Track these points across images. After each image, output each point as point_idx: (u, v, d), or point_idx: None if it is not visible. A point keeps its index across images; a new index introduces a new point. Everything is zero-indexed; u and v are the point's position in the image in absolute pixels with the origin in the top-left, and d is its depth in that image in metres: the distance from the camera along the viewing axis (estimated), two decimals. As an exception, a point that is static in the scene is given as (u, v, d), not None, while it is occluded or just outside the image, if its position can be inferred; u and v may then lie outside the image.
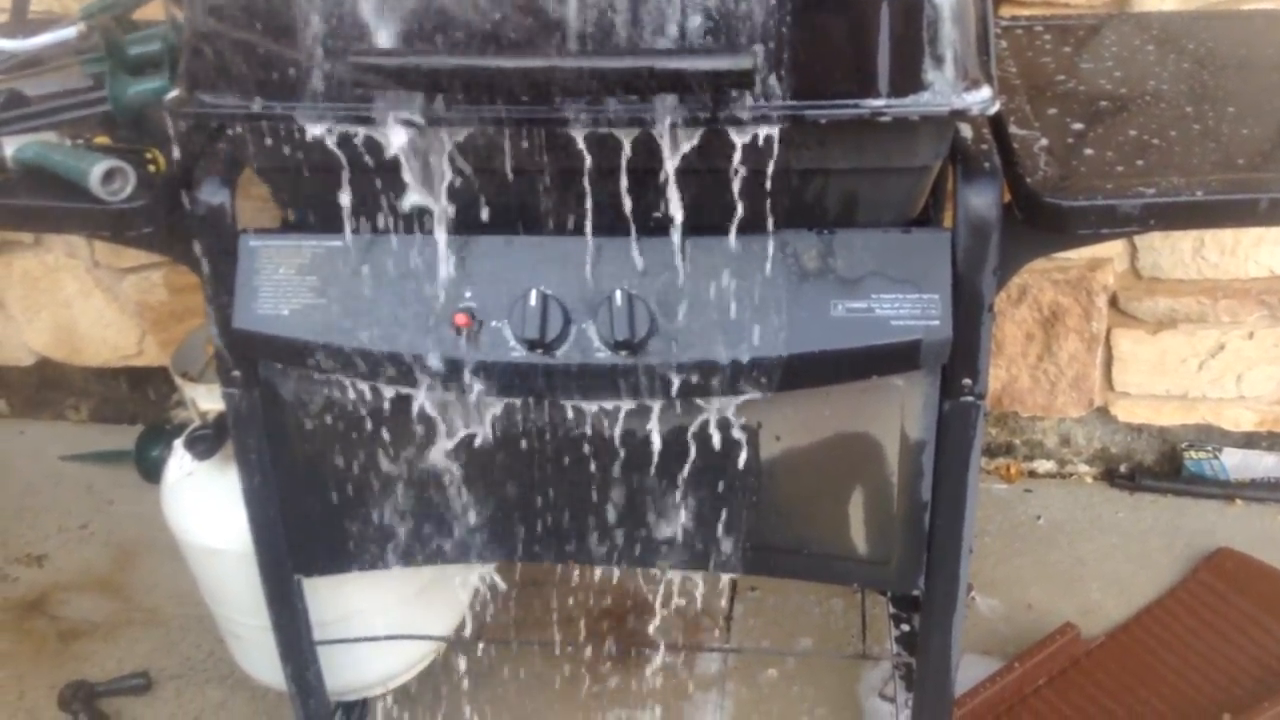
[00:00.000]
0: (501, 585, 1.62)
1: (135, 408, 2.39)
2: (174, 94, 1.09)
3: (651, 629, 1.85)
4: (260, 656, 1.53)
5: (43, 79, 1.27)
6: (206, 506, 1.46)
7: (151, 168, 1.17)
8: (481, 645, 1.76)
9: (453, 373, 1.15)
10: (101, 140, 1.20)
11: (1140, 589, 1.93)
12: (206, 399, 1.41)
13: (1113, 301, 1.95)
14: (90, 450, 2.32)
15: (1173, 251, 1.87)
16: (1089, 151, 1.12)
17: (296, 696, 1.50)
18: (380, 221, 1.16)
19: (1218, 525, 2.03)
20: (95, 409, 2.42)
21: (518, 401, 1.23)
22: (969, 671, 1.81)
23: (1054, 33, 1.36)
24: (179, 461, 1.50)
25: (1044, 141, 1.14)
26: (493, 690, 1.80)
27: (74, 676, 1.83)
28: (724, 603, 1.93)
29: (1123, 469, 2.15)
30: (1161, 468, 2.14)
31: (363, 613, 1.52)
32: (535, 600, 1.86)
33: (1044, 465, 2.19)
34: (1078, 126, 1.17)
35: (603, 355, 1.13)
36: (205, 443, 1.41)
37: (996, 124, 1.18)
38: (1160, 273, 1.91)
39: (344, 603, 1.50)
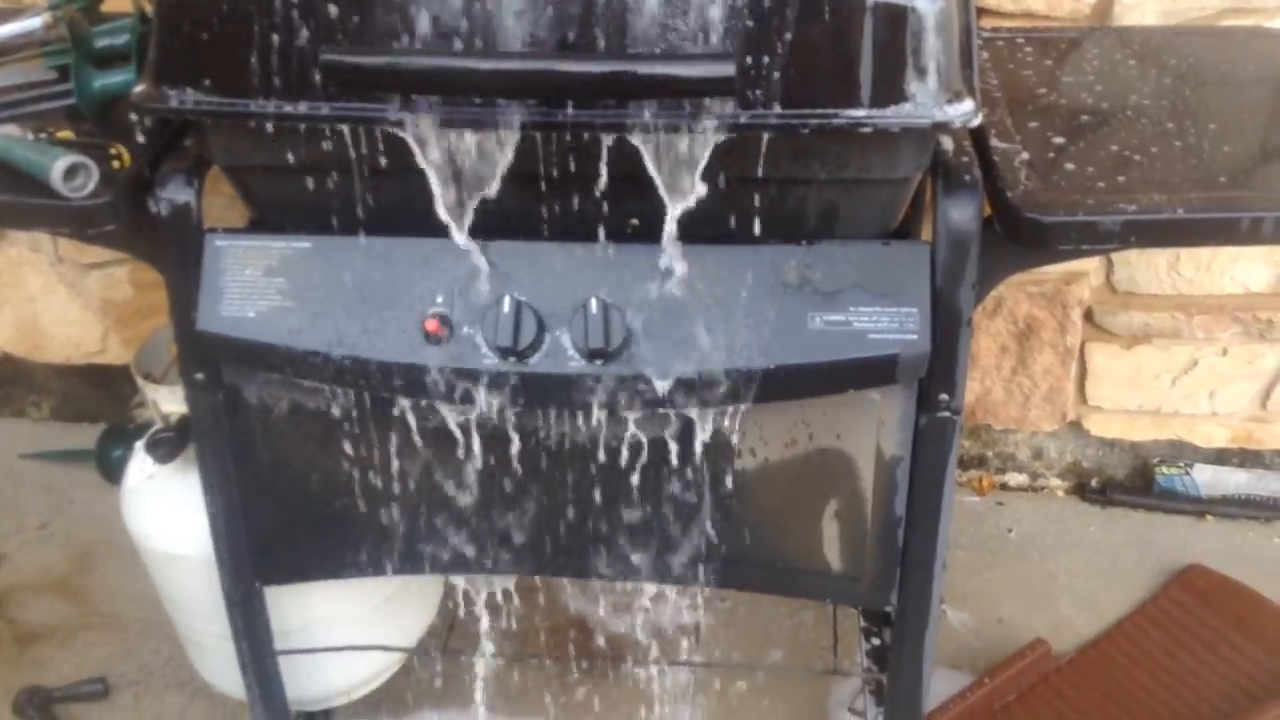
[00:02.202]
0: (470, 595, 1.59)
1: (98, 406, 2.34)
2: (139, 88, 1.06)
3: (618, 640, 1.83)
4: (220, 664, 1.50)
5: (6, 70, 1.24)
6: (167, 511, 1.43)
7: (115, 164, 1.14)
8: (445, 656, 1.73)
9: (422, 380, 1.13)
10: (65, 135, 1.17)
11: (1111, 604, 1.93)
12: (169, 400, 1.37)
13: (1088, 315, 1.95)
14: (51, 449, 2.27)
15: (1148, 266, 1.87)
16: (1070, 166, 1.11)
17: (256, 706, 1.47)
18: (351, 223, 1.13)
19: (1189, 541, 2.04)
20: (57, 406, 2.38)
21: (488, 409, 1.20)
22: (939, 685, 1.79)
23: (1035, 45, 1.35)
24: (139, 464, 1.46)
25: (1025, 155, 1.13)
26: (457, 700, 1.78)
27: (30, 681, 1.79)
28: (693, 614, 1.91)
29: (1094, 483, 2.15)
30: (1133, 482, 2.14)
31: (327, 621, 1.49)
32: (501, 610, 1.84)
33: (1016, 478, 2.19)
34: (1059, 140, 1.16)
35: (576, 364, 1.11)
36: (167, 446, 1.38)
37: (978, 137, 1.17)
38: (1135, 287, 1.91)
39: (307, 611, 1.47)
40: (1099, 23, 1.64)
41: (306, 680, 1.53)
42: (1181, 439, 2.07)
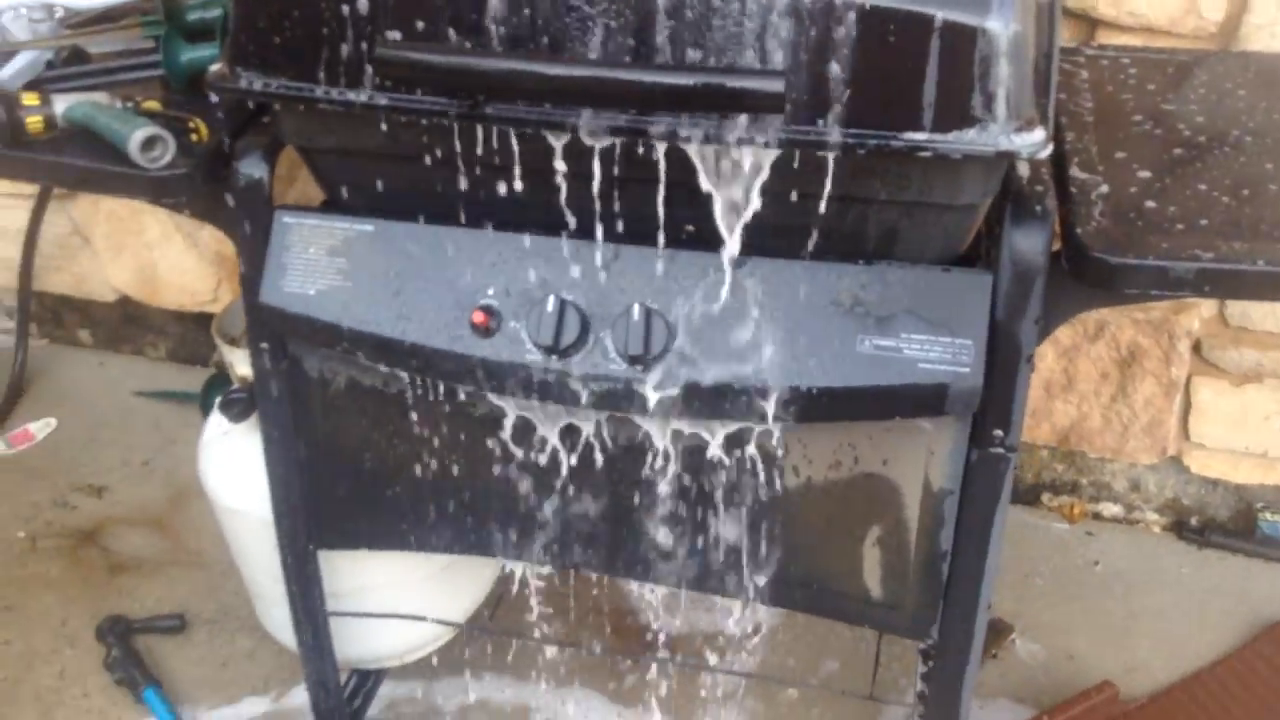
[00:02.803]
0: (525, 576, 1.61)
1: (209, 351, 2.44)
2: (215, 67, 1.09)
3: (671, 636, 1.84)
4: (279, 617, 1.56)
5: (107, 37, 1.29)
6: (236, 468, 1.48)
7: (194, 136, 1.18)
8: (494, 635, 1.76)
9: (466, 369, 1.14)
10: (150, 105, 1.21)
11: (1193, 652, 1.84)
12: (244, 363, 1.42)
13: (1196, 348, 1.84)
14: (163, 389, 2.38)
15: (1264, 303, 1.76)
16: (1150, 204, 1.05)
17: (307, 661, 1.52)
18: (412, 210, 1.15)
19: (1287, 595, 1.93)
20: (173, 349, 2.49)
21: (535, 403, 1.21)
22: (997, 716, 1.76)
23: (1141, 67, 1.27)
24: (216, 420, 1.52)
25: (1104, 189, 1.07)
26: (509, 670, 1.80)
27: (115, 610, 1.89)
28: (753, 615, 1.89)
29: (1193, 522, 2.04)
30: (1235, 525, 2.03)
31: (380, 587, 1.53)
32: (557, 594, 1.86)
33: (1110, 509, 2.09)
34: (1144, 175, 1.09)
35: (616, 368, 1.10)
36: (239, 406, 1.43)
37: (1058, 164, 1.11)
38: (1249, 323, 1.80)
39: (362, 575, 1.51)
40: (1224, 43, 1.54)
41: (359, 641, 1.57)
42: (1290, 486, 1.95)
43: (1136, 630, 1.88)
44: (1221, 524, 2.03)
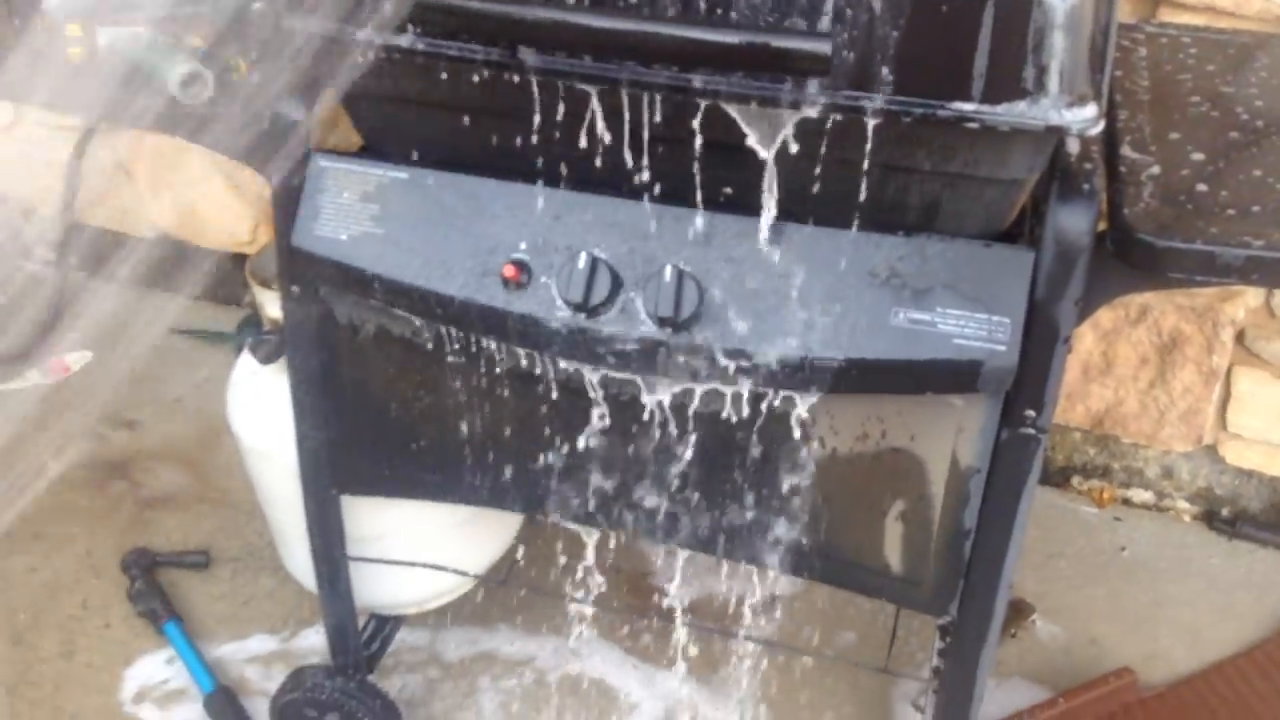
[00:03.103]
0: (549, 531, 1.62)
1: (245, 292, 2.45)
2: (258, 4, 1.08)
3: (690, 600, 1.84)
4: (300, 558, 1.57)
5: (151, -30, 1.28)
6: (264, 409, 1.49)
7: (235, 75, 1.17)
8: (513, 588, 1.76)
9: (495, 323, 1.13)
10: (194, 41, 1.20)
11: (1216, 642, 1.82)
12: (275, 306, 1.42)
13: (1239, 337, 1.81)
14: (199, 327, 2.40)
15: (1314, 294, 1.73)
16: (1202, 187, 1.02)
17: (326, 603, 1.53)
18: (447, 159, 1.14)
19: (1317, 591, 1.90)
20: (210, 287, 2.50)
21: (562, 360, 1.20)
22: (1012, 695, 1.74)
23: (1202, 47, 1.24)
24: (246, 361, 1.53)
25: (1155, 170, 1.04)
26: (528, 623, 1.81)
27: (140, 543, 1.92)
28: (771, 582, 1.89)
29: (1225, 513, 2.01)
30: (1267, 518, 2.00)
31: (401, 534, 1.54)
32: (578, 549, 1.86)
33: (1141, 495, 2.07)
34: (1198, 157, 1.06)
35: (646, 329, 1.09)
36: (269, 347, 1.43)
37: (1109, 142, 1.08)
38: (1297, 315, 1.77)
39: (384, 521, 1.52)
40: (1287, 26, 1.50)
41: (378, 587, 1.58)
42: (1328, 482, 1.92)
43: (1160, 618, 1.86)
44: (1254, 516, 2.00)
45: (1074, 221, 1.02)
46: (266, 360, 1.45)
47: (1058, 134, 0.94)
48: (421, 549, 1.55)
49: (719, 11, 0.93)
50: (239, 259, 2.40)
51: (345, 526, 1.46)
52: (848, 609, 1.85)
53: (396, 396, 1.31)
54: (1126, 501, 2.08)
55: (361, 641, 1.60)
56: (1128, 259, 0.99)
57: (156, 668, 1.76)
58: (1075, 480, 2.08)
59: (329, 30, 1.03)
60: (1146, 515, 2.06)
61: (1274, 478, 1.95)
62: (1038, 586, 1.90)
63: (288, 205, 1.19)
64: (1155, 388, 1.89)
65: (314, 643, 1.78)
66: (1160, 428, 1.93)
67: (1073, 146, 1.05)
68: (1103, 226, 1.03)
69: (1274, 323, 1.79)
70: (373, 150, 1.19)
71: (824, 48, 0.89)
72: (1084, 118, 0.92)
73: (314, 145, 1.19)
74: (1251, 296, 1.78)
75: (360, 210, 1.17)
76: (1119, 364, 1.89)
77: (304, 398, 1.34)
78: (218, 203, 2.28)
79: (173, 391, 2.27)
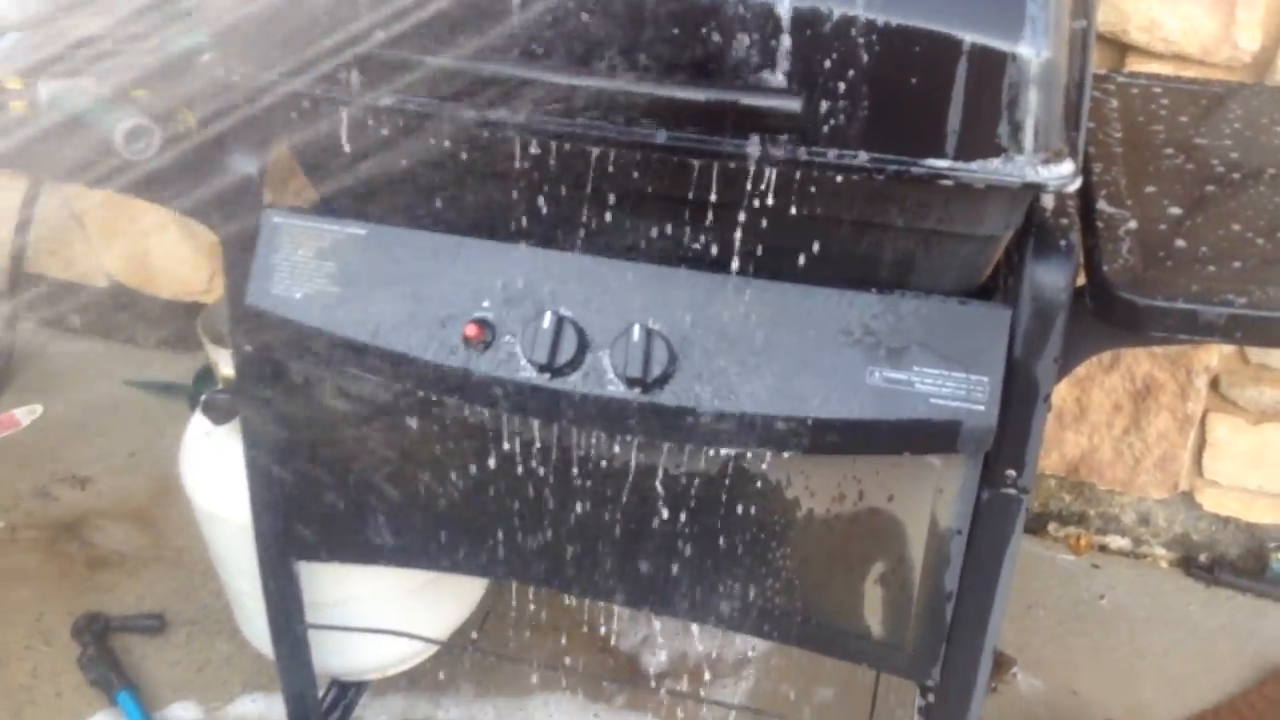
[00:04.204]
0: (509, 593, 1.57)
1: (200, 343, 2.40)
2: (206, 57, 1.04)
3: (661, 661, 1.79)
4: (258, 624, 1.51)
5: (94, 20, 1.23)
6: (218, 471, 1.44)
7: (182, 128, 1.13)
8: (477, 654, 1.71)
9: (456, 384, 1.09)
10: (139, 94, 1.16)
11: (1198, 693, 1.79)
12: (229, 364, 1.37)
13: (1213, 384, 1.79)
14: (153, 378, 2.34)
15: (1288, 341, 1.71)
16: (1180, 243, 1.00)
17: (284, 672, 1.47)
18: (407, 215, 1.10)
19: (1297, 638, 1.87)
20: (165, 338, 2.44)
21: (526, 421, 1.16)
22: (994, 752, 1.71)
23: (1173, 97, 1.22)
24: (199, 421, 1.47)
25: (1133, 224, 1.02)
26: (498, 688, 1.76)
27: (93, 607, 1.85)
28: (746, 640, 1.84)
29: (1202, 559, 1.99)
30: (1245, 564, 1.98)
31: (361, 599, 1.48)
32: (548, 608, 1.81)
33: (1118, 541, 2.04)
34: (1175, 211, 1.04)
35: (614, 389, 1.05)
36: (222, 408, 1.38)
37: (1084, 197, 1.06)
38: (1270, 360, 1.75)
39: (343, 587, 1.46)
40: (1258, 74, 1.49)
41: (339, 654, 1.53)
42: (1305, 527, 1.90)
43: (1141, 668, 1.83)
44: (1231, 562, 1.98)
45: (1051, 278, 0.99)
46: (220, 421, 1.39)
47: (1033, 191, 0.91)
48: (384, 614, 1.50)
49: (686, 67, 0.90)
50: (194, 308, 2.34)
51: (304, 593, 1.40)
52: (825, 663, 1.79)
53: (355, 459, 1.26)
54: (1104, 548, 2.05)
55: (322, 710, 1.54)
56: (1108, 317, 0.97)
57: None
58: (1051, 527, 2.05)
59: (278, 83, 1.00)
60: (1124, 562, 2.04)
61: (1250, 524, 1.93)
62: (1017, 638, 1.86)
63: (240, 262, 1.15)
64: (1130, 434, 1.86)
65: (274, 711, 1.71)
66: (1136, 474, 1.91)
67: (1048, 201, 1.03)
68: (1080, 282, 1.01)
69: (1248, 369, 1.77)
70: (329, 206, 1.15)
71: (794, 105, 0.87)
72: (1060, 174, 0.90)
73: (267, 201, 1.14)
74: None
75: (316, 267, 1.13)
76: (1093, 410, 1.87)
77: (258, 460, 1.29)
78: (172, 252, 2.22)
79: (126, 446, 2.20)
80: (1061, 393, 1.86)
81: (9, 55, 1.19)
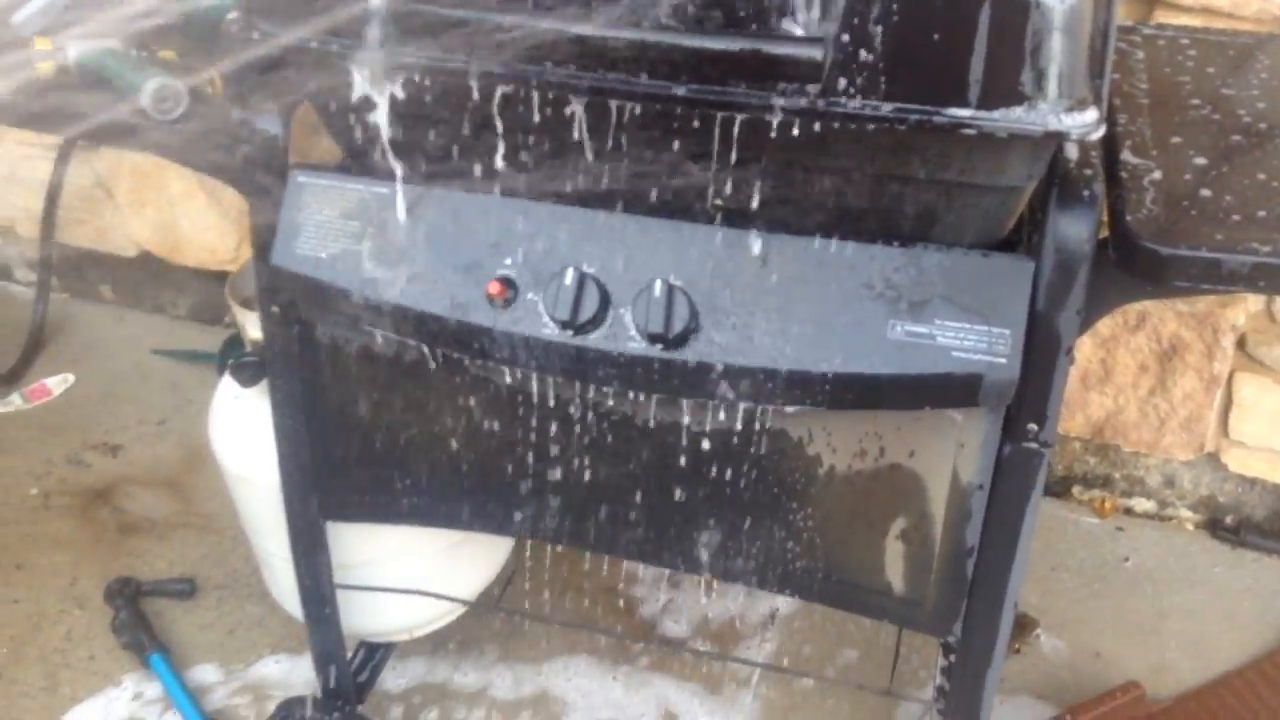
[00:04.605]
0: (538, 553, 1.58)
1: (230, 311, 2.42)
2: (232, 15, 1.05)
3: (688, 621, 1.80)
4: (286, 586, 1.53)
5: (123, -16, 1.25)
6: (246, 434, 1.45)
7: (209, 88, 1.14)
8: (503, 612, 1.73)
9: (480, 341, 1.10)
10: (166, 54, 1.17)
11: (1223, 653, 1.78)
12: (256, 326, 1.39)
13: (1240, 343, 1.78)
14: (181, 347, 2.36)
15: (1316, 299, 1.70)
16: (1205, 193, 0.99)
17: (313, 632, 1.49)
18: (430, 174, 1.11)
19: (1323, 599, 1.87)
20: (193, 307, 2.46)
21: (543, 379, 1.17)
22: (1018, 713, 1.71)
23: (1201, 49, 1.21)
24: (227, 385, 1.49)
25: (1157, 175, 1.01)
26: (522, 647, 1.78)
27: (125, 571, 1.87)
28: (770, 600, 1.85)
29: (1228, 521, 1.98)
30: (1271, 526, 1.97)
31: (389, 560, 1.50)
32: (573, 570, 1.82)
33: (1143, 504, 2.04)
34: (1200, 161, 1.03)
35: (635, 346, 1.06)
36: (251, 370, 1.40)
37: (1109, 148, 1.05)
38: (1299, 320, 1.74)
39: (372, 547, 1.48)
40: (1285, 27, 1.48)
41: (368, 614, 1.54)
42: (1333, 488, 1.89)
43: (1165, 629, 1.83)
44: (1257, 524, 1.97)
45: (1075, 229, 0.99)
46: (248, 383, 1.41)
47: (1057, 139, 0.91)
48: (411, 575, 1.52)
49: (707, 16, 0.90)
50: (222, 277, 2.35)
51: (332, 553, 1.42)
52: (848, 624, 1.81)
53: (382, 419, 1.28)
54: (1128, 511, 2.04)
55: (351, 670, 1.57)
56: (1131, 267, 0.97)
57: (141, 700, 1.72)
58: (1076, 490, 2.05)
59: (304, 41, 1.00)
60: (1149, 524, 2.03)
61: (1277, 485, 1.92)
62: (1041, 600, 1.86)
63: (266, 223, 1.16)
64: (1155, 395, 1.86)
65: (303, 671, 1.73)
66: (1161, 436, 1.90)
67: (1072, 152, 1.02)
68: (1104, 233, 1.00)
69: (1275, 328, 1.76)
70: (353, 165, 1.16)
71: (816, 53, 0.87)
72: (1084, 123, 0.89)
73: (292, 161, 1.15)
74: (1252, 302, 1.75)
75: (341, 227, 1.14)
76: (1118, 372, 1.86)
77: (286, 422, 1.30)
78: (200, 220, 2.24)
79: (156, 414, 2.23)
80: (1086, 353, 1.85)
81: (38, 16, 1.20)
